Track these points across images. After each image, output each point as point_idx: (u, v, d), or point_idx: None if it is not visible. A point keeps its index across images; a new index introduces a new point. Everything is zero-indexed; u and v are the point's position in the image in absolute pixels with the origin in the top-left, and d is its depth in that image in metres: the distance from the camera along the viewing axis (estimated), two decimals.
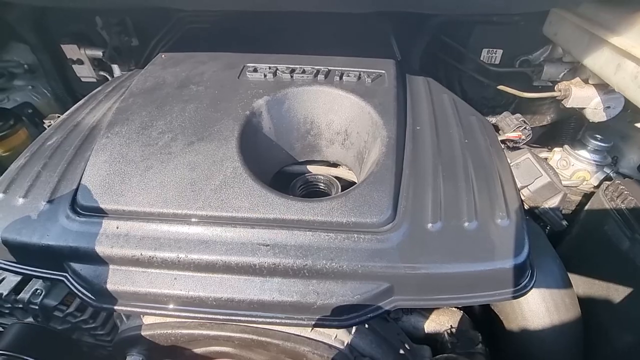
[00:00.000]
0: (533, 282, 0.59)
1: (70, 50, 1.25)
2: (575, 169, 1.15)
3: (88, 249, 0.55)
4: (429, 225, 0.56)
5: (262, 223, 0.56)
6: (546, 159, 1.17)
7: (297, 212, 0.55)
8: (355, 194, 0.57)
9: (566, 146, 1.15)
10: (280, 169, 0.78)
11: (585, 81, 0.90)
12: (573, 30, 0.84)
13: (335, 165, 0.81)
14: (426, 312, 0.86)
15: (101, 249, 0.55)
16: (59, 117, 0.92)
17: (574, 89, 0.90)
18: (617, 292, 0.77)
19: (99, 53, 1.23)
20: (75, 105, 0.82)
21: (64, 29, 1.24)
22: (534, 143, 1.29)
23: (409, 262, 0.54)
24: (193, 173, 0.60)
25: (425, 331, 0.84)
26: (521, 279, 0.57)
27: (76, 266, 0.57)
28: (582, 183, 1.13)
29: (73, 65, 1.29)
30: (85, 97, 0.85)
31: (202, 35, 1.00)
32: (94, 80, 1.32)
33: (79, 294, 0.57)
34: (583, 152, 1.12)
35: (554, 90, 0.94)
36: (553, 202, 0.85)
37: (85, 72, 1.31)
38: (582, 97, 0.90)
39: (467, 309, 0.88)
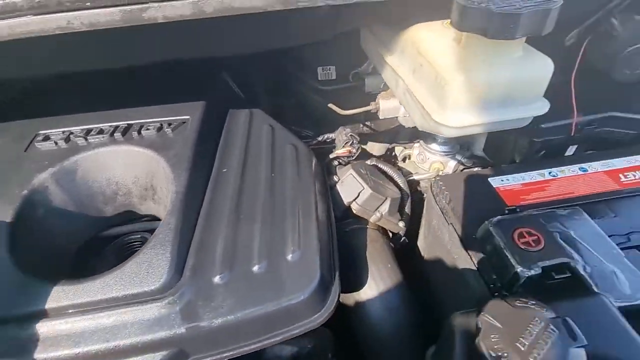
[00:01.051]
0: (334, 305, 0.62)
1: None
2: (431, 162, 1.24)
3: None
4: (216, 278, 0.57)
5: (31, 316, 0.52)
6: (410, 155, 1.25)
7: (67, 297, 0.52)
8: (132, 264, 0.55)
9: (421, 141, 1.24)
10: (97, 235, 0.74)
11: (391, 93, 0.97)
12: (373, 47, 0.90)
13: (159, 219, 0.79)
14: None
15: None
16: None
17: (381, 101, 0.97)
18: (445, 283, 0.85)
19: None
20: None
21: None
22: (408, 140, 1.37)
23: (193, 322, 0.53)
24: None
25: (290, 354, 0.86)
26: (317, 307, 0.60)
27: None
28: (438, 174, 1.23)
29: None
30: None
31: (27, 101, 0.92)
32: None
33: None
34: (434, 145, 1.20)
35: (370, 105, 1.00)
36: (384, 209, 0.91)
37: None
38: (389, 108, 0.98)
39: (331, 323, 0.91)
